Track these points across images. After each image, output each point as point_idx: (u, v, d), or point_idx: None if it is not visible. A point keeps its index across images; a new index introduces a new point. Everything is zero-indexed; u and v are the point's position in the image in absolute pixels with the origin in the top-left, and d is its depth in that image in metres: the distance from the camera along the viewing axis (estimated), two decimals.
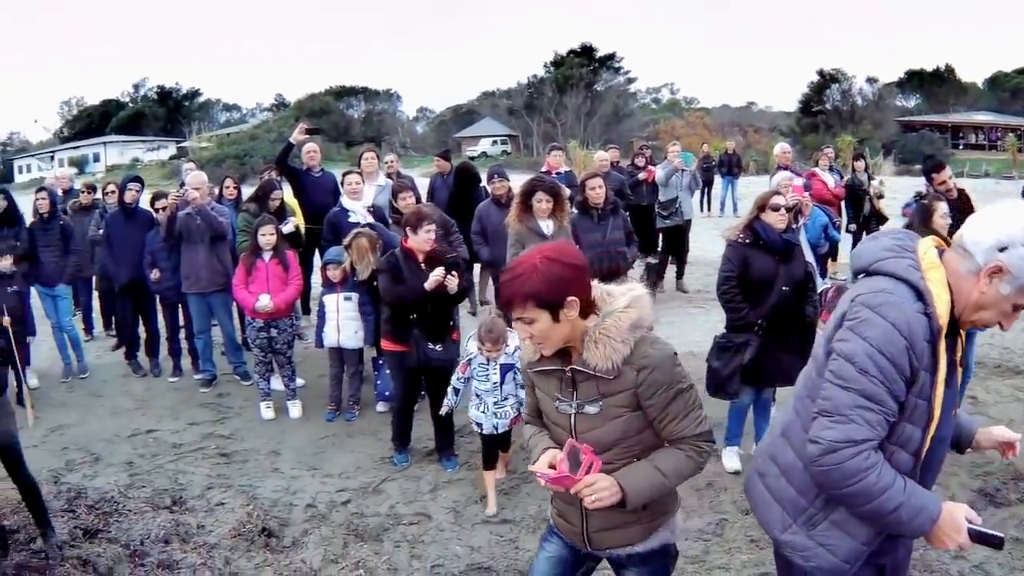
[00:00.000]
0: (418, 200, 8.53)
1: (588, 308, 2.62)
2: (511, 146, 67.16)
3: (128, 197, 9.12)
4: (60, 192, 11.49)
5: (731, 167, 21.73)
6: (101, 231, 9.54)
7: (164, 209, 8.68)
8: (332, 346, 7.52)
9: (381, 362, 7.27)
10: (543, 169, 11.33)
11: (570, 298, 2.55)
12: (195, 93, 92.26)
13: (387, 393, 7.17)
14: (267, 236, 7.51)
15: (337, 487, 6.12)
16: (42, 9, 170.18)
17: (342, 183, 8.79)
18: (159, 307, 9.10)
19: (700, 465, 2.69)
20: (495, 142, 65.82)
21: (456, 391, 5.83)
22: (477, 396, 5.74)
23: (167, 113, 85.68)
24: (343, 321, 7.45)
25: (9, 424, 5.06)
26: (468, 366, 5.73)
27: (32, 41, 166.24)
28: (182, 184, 9.57)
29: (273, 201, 8.62)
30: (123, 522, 5.62)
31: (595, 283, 2.69)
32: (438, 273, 6.07)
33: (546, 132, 63.78)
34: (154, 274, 8.51)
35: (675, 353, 2.66)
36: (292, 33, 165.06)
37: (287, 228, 8.23)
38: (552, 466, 2.65)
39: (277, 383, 7.96)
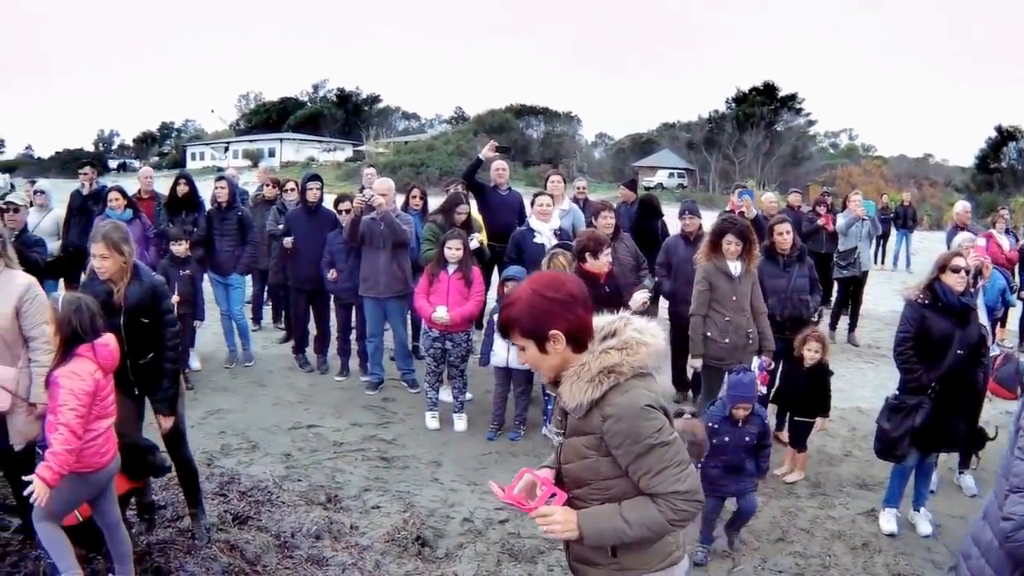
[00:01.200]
0: (618, 225, 9.52)
1: (581, 341, 3.03)
2: (687, 180, 71.71)
3: (310, 196, 10.66)
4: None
5: (906, 220, 23.36)
6: (280, 226, 11.13)
7: (348, 211, 10.09)
8: (500, 365, 8.53)
9: None
10: (727, 208, 12.50)
11: (553, 331, 2.97)
12: (375, 99, 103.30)
13: None
14: (453, 249, 8.62)
15: (496, 504, 6.85)
16: (227, 5, 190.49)
17: (531, 203, 10.04)
18: (332, 306, 10.56)
19: (673, 522, 2.94)
20: (672, 174, 71.01)
21: None
22: None
23: (345, 116, 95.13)
24: None
25: (180, 403, 6.07)
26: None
27: (214, 34, 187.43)
28: (362, 188, 11.30)
29: (459, 215, 9.73)
30: (275, 512, 6.59)
31: (597, 317, 3.12)
32: (643, 297, 7.03)
33: (724, 169, 69.88)
34: (331, 273, 9.95)
35: (648, 406, 2.92)
36: (476, 48, 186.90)
37: (473, 243, 9.31)
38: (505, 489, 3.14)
39: (445, 394, 9.09)
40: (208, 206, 11.10)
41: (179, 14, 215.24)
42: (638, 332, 3.02)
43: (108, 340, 4.96)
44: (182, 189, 10.89)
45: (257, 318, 12.83)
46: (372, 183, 10.86)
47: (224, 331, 10.92)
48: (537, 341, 3.00)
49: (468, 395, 9.14)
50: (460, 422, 8.78)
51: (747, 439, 6.13)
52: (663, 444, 2.91)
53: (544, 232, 9.59)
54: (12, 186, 13.52)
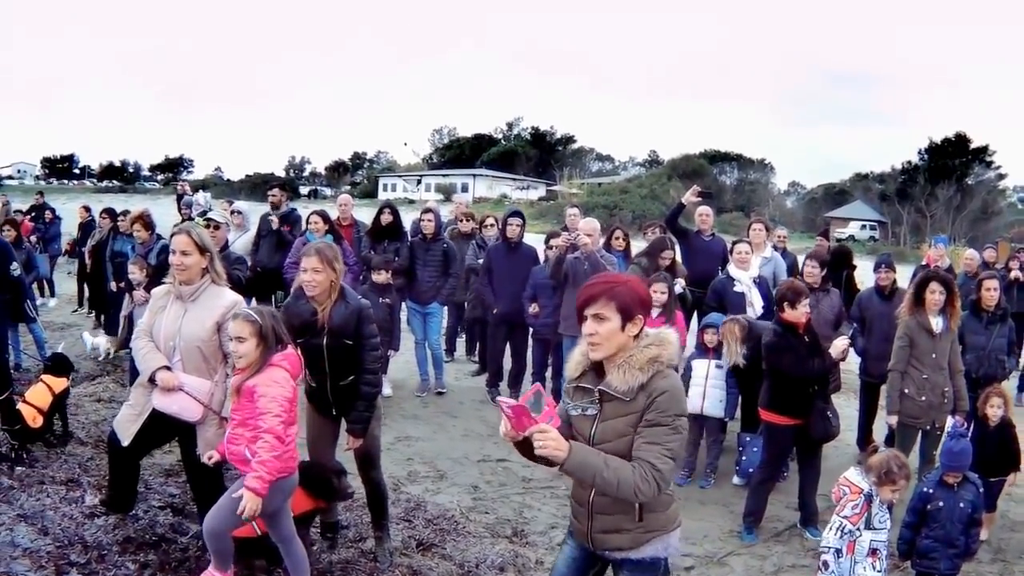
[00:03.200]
0: (825, 277, 9.74)
1: (638, 336, 3.80)
2: (879, 232, 70.76)
3: (510, 231, 11.17)
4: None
5: None
6: (479, 260, 11.70)
7: (555, 248, 10.56)
8: (694, 412, 8.67)
9: (748, 439, 8.69)
10: (922, 263, 12.59)
11: (639, 316, 3.76)
12: (569, 139, 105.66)
13: (749, 470, 8.41)
14: (658, 293, 8.84)
15: (682, 551, 6.98)
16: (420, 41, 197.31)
17: (731, 250, 10.32)
18: (530, 341, 11.00)
19: (637, 488, 3.58)
20: (864, 226, 70.25)
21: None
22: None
23: (539, 154, 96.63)
24: (710, 388, 8.78)
25: (376, 426, 6.43)
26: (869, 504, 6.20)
27: (409, 69, 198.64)
28: (565, 227, 11.71)
29: (664, 259, 10.06)
30: (460, 542, 6.92)
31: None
32: (843, 344, 7.44)
33: (915, 222, 69.28)
34: (533, 308, 10.42)
35: (684, 394, 3.82)
36: (671, 92, 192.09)
37: (677, 288, 9.57)
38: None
39: None
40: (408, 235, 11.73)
41: (374, 48, 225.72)
42: (665, 334, 3.85)
43: (293, 350, 5.36)
44: (386, 218, 11.45)
45: (451, 349, 13.34)
46: (575, 223, 11.24)
47: (418, 360, 11.43)
48: (624, 318, 3.71)
49: None
50: None
51: (962, 506, 6.10)
52: (672, 428, 3.67)
53: (744, 280, 9.79)
54: (211, 206, 14.39)
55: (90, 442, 8.36)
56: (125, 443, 5.87)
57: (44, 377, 8.44)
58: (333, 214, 12.11)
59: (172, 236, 5.77)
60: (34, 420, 7.87)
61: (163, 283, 6.00)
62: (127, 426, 5.89)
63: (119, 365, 11.72)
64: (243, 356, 5.03)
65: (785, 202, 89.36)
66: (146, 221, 10.63)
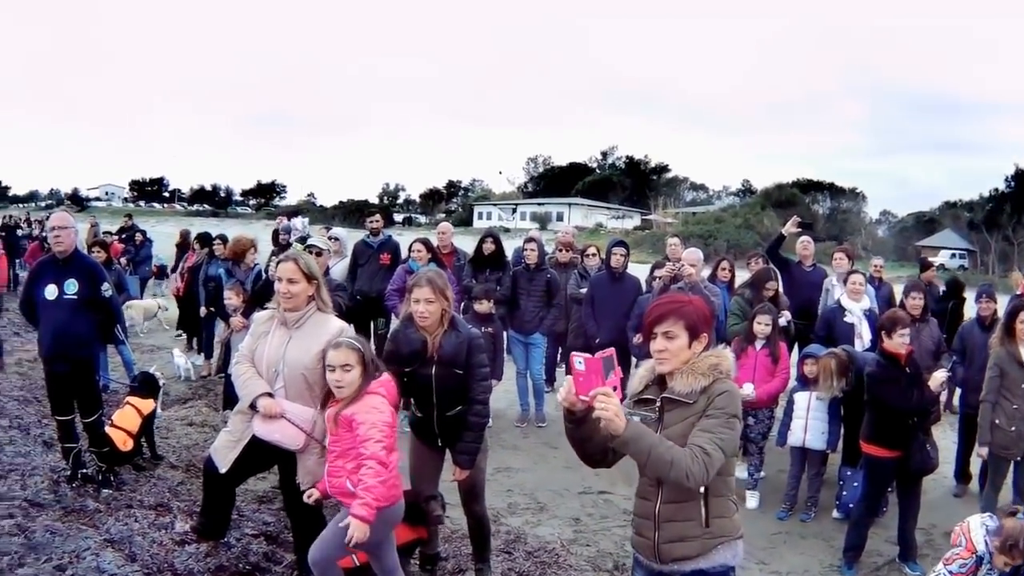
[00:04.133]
0: (926, 306, 9.83)
1: (699, 352, 4.02)
2: (968, 261, 70.69)
3: (614, 261, 11.12)
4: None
5: None
6: (581, 289, 11.67)
7: (660, 278, 10.50)
8: (796, 445, 8.72)
9: (849, 472, 8.54)
10: (1017, 292, 12.40)
11: (704, 334, 4.02)
12: (663, 168, 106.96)
13: (850, 505, 8.24)
14: (763, 325, 8.86)
15: None
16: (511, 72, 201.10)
17: (844, 281, 10.25)
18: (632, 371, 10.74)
19: (688, 470, 3.67)
20: (953, 255, 70.21)
21: None
22: None
23: (633, 184, 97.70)
24: (812, 420, 8.65)
25: (483, 459, 6.42)
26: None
27: (502, 99, 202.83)
28: (666, 258, 11.81)
29: (768, 291, 9.95)
30: (560, 575, 6.87)
31: None
32: (942, 376, 7.43)
33: (1003, 251, 68.73)
34: (637, 338, 10.13)
35: (741, 401, 4.01)
36: (763, 122, 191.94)
37: (781, 320, 9.48)
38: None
39: (740, 471, 9.15)
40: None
41: (468, 77, 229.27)
42: (722, 349, 4.13)
43: (389, 376, 5.35)
44: (489, 247, 11.44)
45: (550, 379, 13.15)
46: (677, 253, 11.28)
47: (519, 390, 11.41)
48: (691, 336, 3.97)
49: (762, 473, 9.25)
50: (752, 500, 8.93)
51: None
52: (727, 424, 3.84)
53: (855, 311, 9.74)
54: (308, 232, 14.49)
55: (181, 466, 8.40)
56: (223, 470, 5.84)
57: (131, 399, 8.50)
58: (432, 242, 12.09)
59: (279, 264, 5.73)
60: (124, 444, 7.91)
61: (264, 308, 6.02)
62: (225, 453, 5.86)
63: (211, 389, 11.82)
64: (347, 385, 5.04)
65: (876, 231, 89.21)
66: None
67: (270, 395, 5.58)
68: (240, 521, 6.74)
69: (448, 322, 5.92)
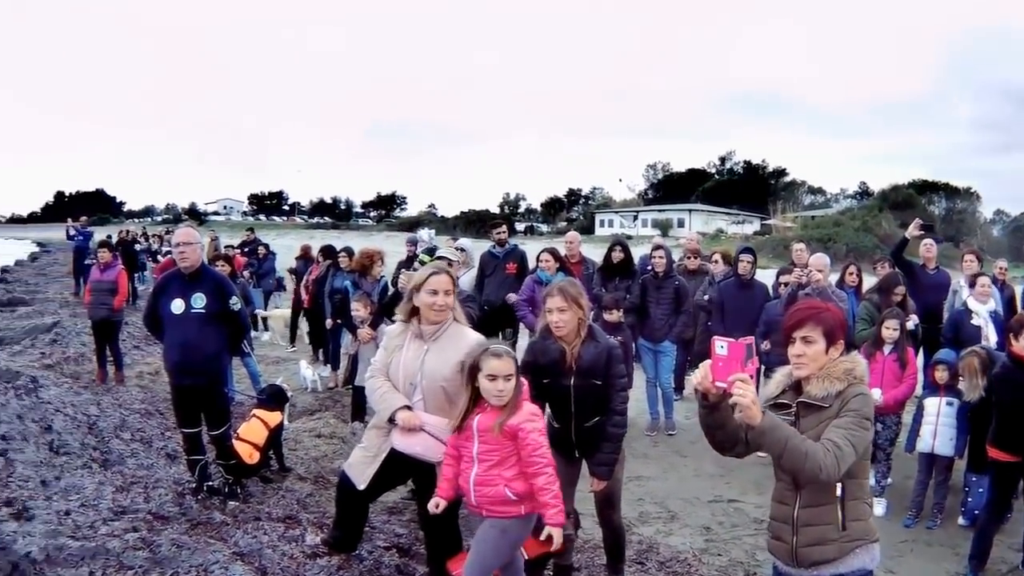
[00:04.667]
0: None
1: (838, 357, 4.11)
2: None
3: (741, 268, 11.12)
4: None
5: None
6: (707, 297, 11.69)
7: (787, 284, 10.42)
8: (925, 451, 8.52)
9: (975, 479, 8.30)
10: None
11: (840, 340, 4.11)
12: (781, 172, 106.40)
13: (975, 511, 8.07)
14: (891, 330, 8.73)
15: None
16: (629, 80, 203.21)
17: (972, 283, 10.14)
18: (762, 378, 10.57)
19: (821, 464, 3.73)
20: None
21: None
22: None
23: (752, 188, 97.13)
24: (941, 427, 8.44)
25: (619, 469, 6.34)
26: None
27: (621, 107, 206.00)
28: (792, 263, 11.68)
29: (896, 296, 9.84)
30: None
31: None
32: None
33: None
34: (764, 345, 10.11)
35: (873, 406, 4.08)
36: (877, 123, 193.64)
37: (909, 324, 9.35)
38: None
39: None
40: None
41: (586, 85, 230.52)
42: (855, 355, 4.28)
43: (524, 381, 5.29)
44: (617, 255, 11.42)
45: (679, 387, 13.06)
46: (803, 258, 11.21)
47: (648, 398, 11.32)
48: (829, 341, 4.06)
49: (889, 479, 9.07)
50: (879, 507, 8.67)
51: None
52: (859, 424, 3.91)
53: (981, 313, 9.71)
54: (435, 243, 14.55)
55: (309, 478, 8.45)
56: (362, 487, 5.87)
57: (257, 412, 8.59)
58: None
59: (431, 276, 5.67)
60: (250, 456, 7.99)
61: (392, 321, 6.10)
62: (362, 469, 5.87)
63: (339, 400, 11.95)
64: (507, 394, 5.00)
65: (991, 231, 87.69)
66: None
67: (408, 408, 5.57)
68: (371, 533, 6.70)
69: (586, 332, 5.89)
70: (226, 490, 7.60)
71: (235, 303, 7.60)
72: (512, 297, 11.40)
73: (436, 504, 5.29)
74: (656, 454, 10.45)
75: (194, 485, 7.64)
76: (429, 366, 5.57)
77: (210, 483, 7.65)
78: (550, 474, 4.94)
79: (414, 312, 5.68)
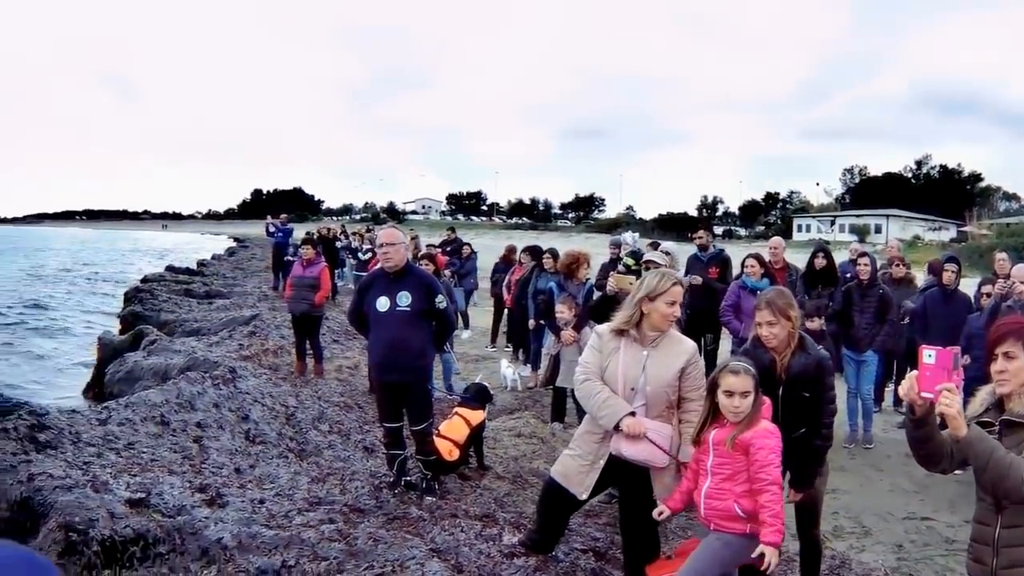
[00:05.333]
0: None
1: None
2: None
3: (946, 277, 10.91)
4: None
5: None
6: (912, 306, 11.44)
7: (989, 295, 10.28)
8: None
9: None
10: None
11: None
12: (976, 177, 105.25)
13: None
14: None
15: None
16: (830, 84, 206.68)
17: None
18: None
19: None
20: None
21: None
22: None
23: (947, 194, 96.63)
24: None
25: (822, 483, 6.26)
26: None
27: (822, 109, 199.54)
28: (994, 274, 11.41)
29: None
30: None
31: None
32: None
33: None
34: (964, 359, 9.52)
35: None
36: None
37: None
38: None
39: None
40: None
41: (784, 86, 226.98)
42: None
43: (768, 400, 5.25)
44: (820, 262, 11.37)
45: (878, 399, 12.73)
46: (1004, 269, 10.92)
47: (848, 409, 11.02)
48: None
49: None
50: None
51: None
52: None
53: None
54: (639, 246, 14.46)
55: (507, 477, 8.48)
56: (584, 496, 5.90)
57: (460, 410, 8.62)
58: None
59: (673, 286, 5.68)
60: (450, 454, 8.04)
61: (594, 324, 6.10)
62: (581, 478, 5.87)
63: (538, 400, 12.02)
64: (744, 410, 5.02)
65: None
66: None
67: (632, 414, 5.56)
68: (568, 536, 6.62)
69: (797, 342, 5.80)
70: (423, 486, 7.66)
71: (441, 301, 7.67)
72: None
73: (660, 512, 5.34)
74: (853, 467, 10.27)
75: (391, 479, 7.74)
76: (652, 372, 5.58)
77: (408, 478, 7.73)
78: (774, 492, 4.91)
79: (639, 318, 5.68)
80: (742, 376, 5.00)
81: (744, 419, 4.99)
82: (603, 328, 5.96)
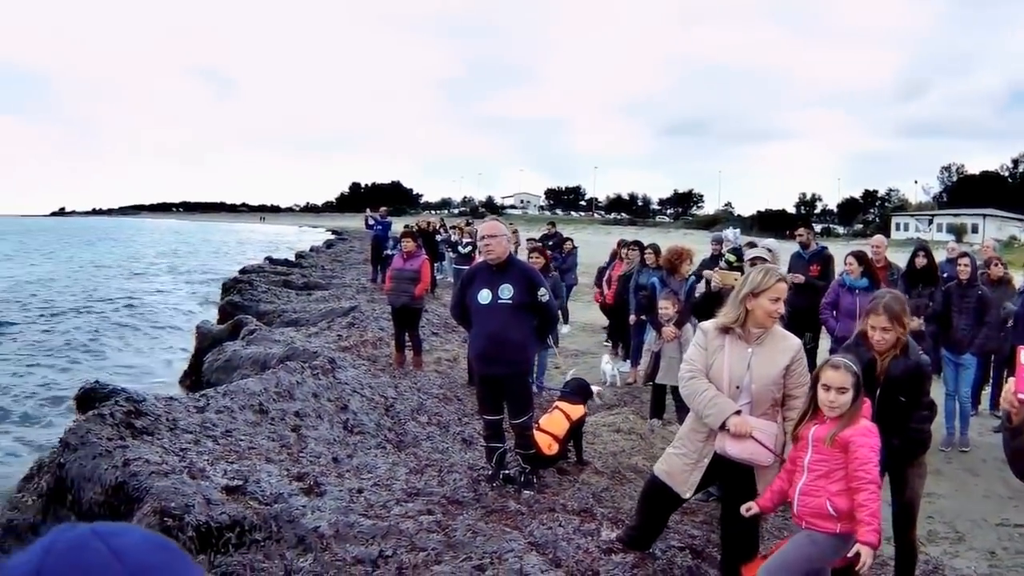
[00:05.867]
0: None
1: None
2: None
3: None
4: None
5: None
6: (1014, 307, 11.36)
7: None
8: None
9: None
10: None
11: None
12: None
13: None
14: None
15: None
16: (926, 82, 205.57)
17: None
18: None
19: None
20: None
21: None
22: None
23: None
24: None
25: (919, 485, 6.28)
26: None
27: (918, 105, 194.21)
28: None
29: None
30: None
31: None
32: None
33: None
34: None
35: None
36: None
37: None
38: None
39: None
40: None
41: (880, 83, 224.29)
42: None
43: (867, 399, 5.23)
44: (921, 261, 11.23)
45: (974, 402, 12.48)
46: None
47: (945, 412, 10.85)
48: None
49: None
50: None
51: None
52: None
53: None
54: (739, 242, 14.40)
55: (606, 472, 8.45)
56: (688, 495, 5.93)
57: (560, 404, 8.64)
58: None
59: (777, 282, 5.70)
60: (549, 448, 8.06)
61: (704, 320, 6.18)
62: (685, 476, 5.88)
63: (637, 396, 12.04)
64: (840, 406, 4.99)
65: None
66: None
67: (738, 412, 5.56)
68: (665, 533, 6.60)
69: (900, 346, 5.80)
70: (522, 479, 7.69)
71: (543, 294, 7.71)
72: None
73: (748, 508, 5.34)
74: (949, 471, 10.12)
75: (490, 472, 7.79)
76: (758, 369, 5.58)
77: (506, 471, 7.77)
78: (872, 491, 4.83)
79: (744, 315, 5.67)
80: (841, 372, 4.97)
81: (844, 416, 4.96)
82: (708, 325, 5.95)
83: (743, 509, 5.36)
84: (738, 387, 5.60)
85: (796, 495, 5.11)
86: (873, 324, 5.71)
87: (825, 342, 11.84)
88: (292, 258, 40.29)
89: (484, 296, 7.59)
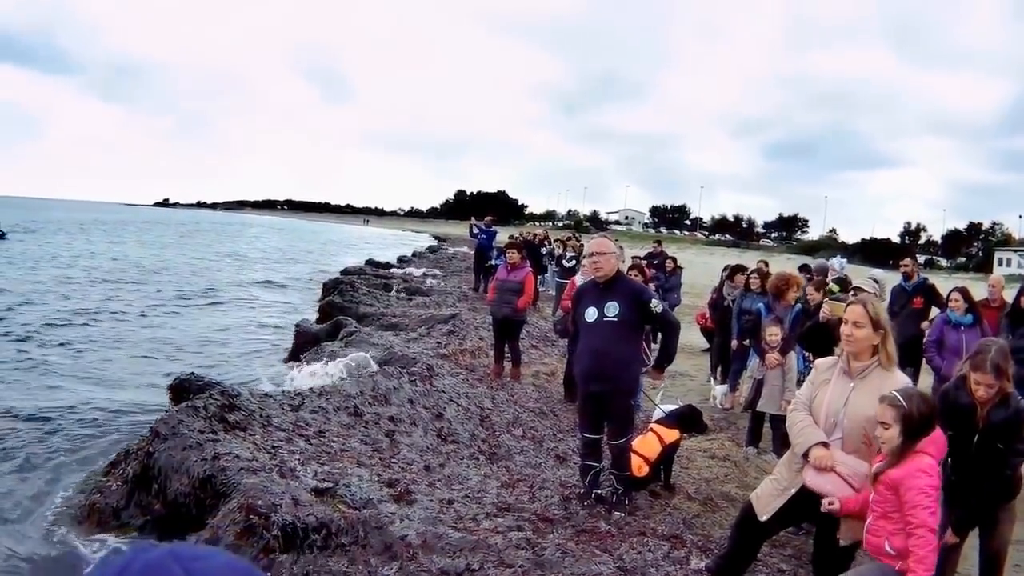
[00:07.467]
0: None
1: None
2: None
3: None
4: None
5: None
6: None
7: None
8: None
9: None
10: None
11: None
12: None
13: None
14: None
15: None
16: None
17: None
18: None
19: None
20: None
21: None
22: None
23: None
24: None
25: (1008, 529, 6.22)
26: None
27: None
28: None
29: None
30: None
31: None
32: None
33: None
34: None
35: None
36: None
37: None
38: None
39: None
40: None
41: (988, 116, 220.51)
42: None
43: (940, 432, 5.13)
44: None
45: None
46: None
47: None
48: None
49: None
50: None
51: None
52: None
53: None
54: (846, 272, 14.26)
55: (698, 499, 8.36)
56: (763, 518, 5.84)
57: (655, 426, 8.59)
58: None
59: (848, 306, 5.72)
60: (639, 469, 8.01)
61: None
62: (768, 500, 5.84)
63: (734, 423, 11.89)
64: (886, 442, 4.97)
65: None
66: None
67: (825, 445, 5.49)
68: (753, 565, 6.51)
69: (1001, 395, 5.74)
70: (614, 500, 7.66)
71: (656, 305, 7.69)
72: None
73: (831, 503, 5.35)
74: None
75: (581, 490, 7.76)
76: (853, 405, 5.50)
77: (598, 491, 7.73)
78: (922, 535, 4.76)
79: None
80: (884, 406, 4.94)
81: (891, 453, 4.91)
82: (821, 361, 5.95)
83: (825, 503, 5.33)
84: (833, 421, 5.54)
85: (864, 534, 5.13)
86: (978, 380, 5.67)
87: (928, 377, 11.56)
88: (394, 262, 40.74)
89: (591, 314, 7.58)
